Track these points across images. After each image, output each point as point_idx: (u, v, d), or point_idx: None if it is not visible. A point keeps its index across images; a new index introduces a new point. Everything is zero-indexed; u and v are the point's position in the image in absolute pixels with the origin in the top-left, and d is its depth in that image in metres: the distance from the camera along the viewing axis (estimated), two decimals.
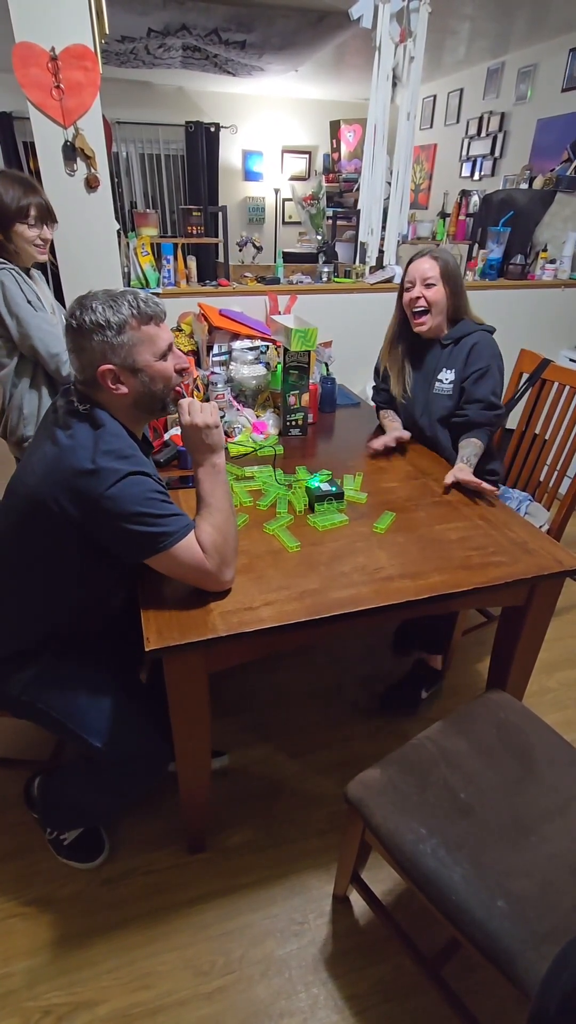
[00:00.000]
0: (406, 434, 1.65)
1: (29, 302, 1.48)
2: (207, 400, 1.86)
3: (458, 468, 1.47)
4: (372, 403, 1.90)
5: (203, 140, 4.92)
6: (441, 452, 1.65)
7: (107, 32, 1.86)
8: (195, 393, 1.86)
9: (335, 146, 5.18)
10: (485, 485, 1.38)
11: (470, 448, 1.52)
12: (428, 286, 1.53)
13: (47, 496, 0.94)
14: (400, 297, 1.61)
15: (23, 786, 1.38)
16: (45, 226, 1.52)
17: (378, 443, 1.63)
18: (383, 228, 2.48)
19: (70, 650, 1.13)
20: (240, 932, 1.19)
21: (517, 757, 1.05)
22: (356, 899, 1.24)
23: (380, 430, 1.81)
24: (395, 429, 1.68)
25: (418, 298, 1.54)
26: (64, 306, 1.87)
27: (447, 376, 1.60)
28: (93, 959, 1.14)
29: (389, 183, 2.42)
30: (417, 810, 0.95)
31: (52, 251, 1.70)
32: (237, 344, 1.99)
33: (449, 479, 1.44)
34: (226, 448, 1.61)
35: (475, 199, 3.71)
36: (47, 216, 1.52)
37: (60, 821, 1.27)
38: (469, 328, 1.58)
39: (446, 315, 1.58)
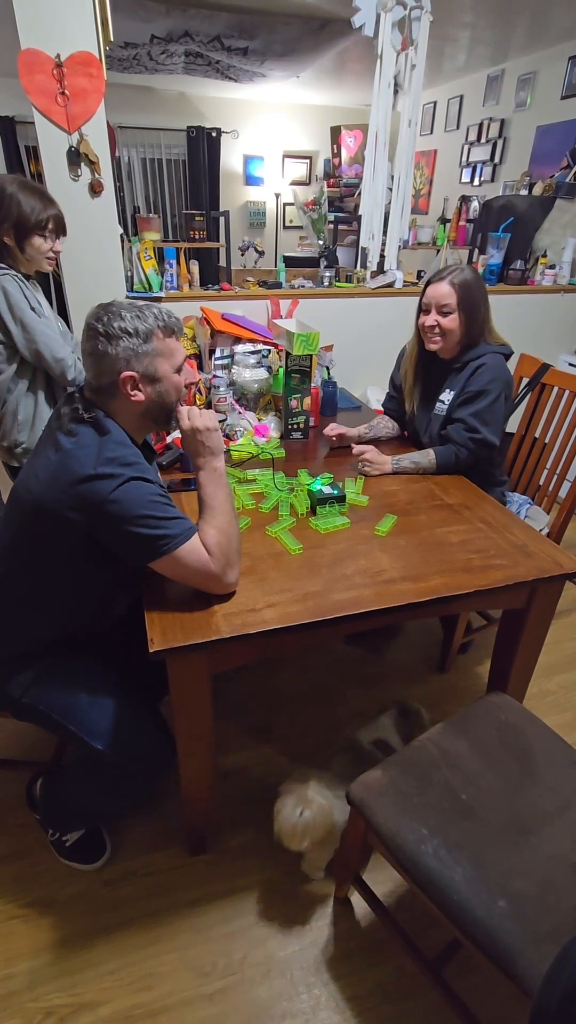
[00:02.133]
0: (352, 433, 1.72)
1: (32, 308, 1.49)
2: (209, 404, 1.88)
3: (385, 462, 1.55)
4: (381, 408, 1.90)
5: (204, 145, 4.95)
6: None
7: (112, 39, 1.88)
8: (197, 398, 1.88)
9: (336, 151, 5.21)
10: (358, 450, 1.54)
11: (419, 455, 1.55)
12: (444, 314, 1.49)
13: (51, 502, 0.94)
14: (418, 316, 1.58)
15: (25, 787, 1.39)
16: (57, 239, 1.54)
17: (336, 431, 1.70)
18: (384, 233, 2.49)
19: (72, 652, 1.14)
20: (241, 933, 1.19)
21: (518, 758, 1.06)
22: (357, 900, 1.25)
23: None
24: (358, 430, 1.74)
25: (433, 326, 1.51)
26: (65, 312, 1.89)
27: (447, 397, 1.58)
28: (94, 960, 1.14)
29: (390, 189, 2.44)
30: (418, 811, 0.95)
31: (56, 262, 1.71)
32: (239, 348, 2.00)
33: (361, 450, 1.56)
34: (228, 451, 1.64)
35: (475, 205, 3.74)
36: (61, 229, 1.54)
37: (62, 822, 1.27)
38: (482, 350, 1.53)
39: (460, 340, 1.53)
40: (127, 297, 2.20)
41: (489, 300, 1.54)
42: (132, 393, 0.99)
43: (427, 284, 1.53)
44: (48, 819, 1.28)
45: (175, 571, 1.01)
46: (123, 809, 1.31)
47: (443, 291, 1.48)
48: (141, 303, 1.01)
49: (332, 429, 1.72)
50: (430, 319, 1.52)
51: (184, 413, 1.07)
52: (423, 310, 1.55)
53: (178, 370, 1.04)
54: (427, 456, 1.55)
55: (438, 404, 1.61)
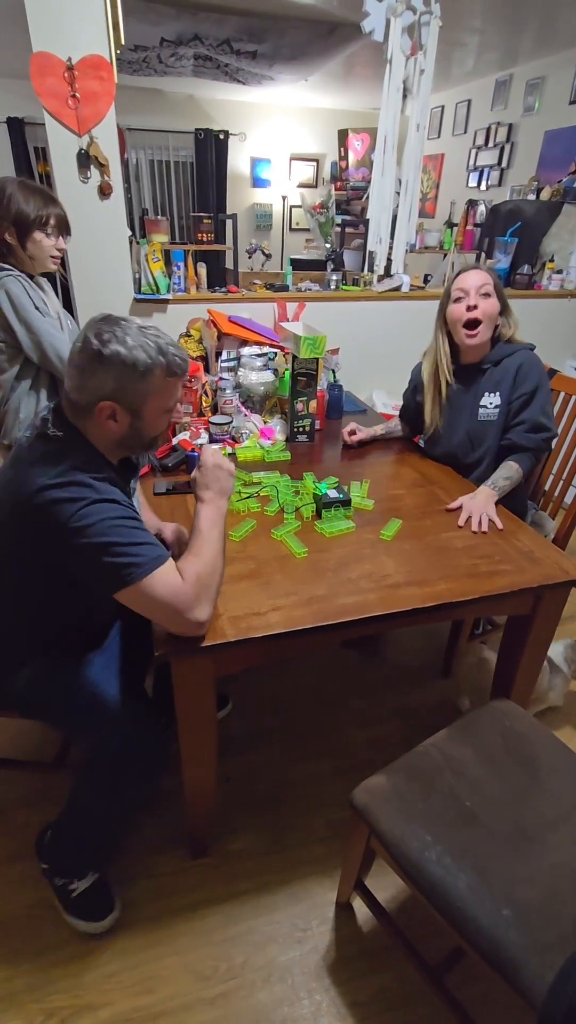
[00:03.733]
0: (366, 436, 1.73)
1: (37, 308, 1.50)
2: (215, 406, 1.88)
3: (484, 492, 1.40)
4: (388, 413, 1.89)
5: (212, 147, 4.97)
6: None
7: (123, 43, 1.89)
8: (203, 399, 1.88)
9: (343, 154, 5.21)
10: (493, 523, 1.34)
11: (504, 470, 1.43)
12: (484, 296, 1.44)
13: (16, 530, 0.91)
14: (441, 316, 1.52)
15: (35, 838, 1.28)
16: (61, 237, 1.54)
17: (349, 432, 1.70)
18: (391, 237, 2.49)
19: (74, 647, 1.14)
20: (243, 938, 1.19)
21: (522, 766, 1.05)
22: (359, 906, 1.24)
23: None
24: (374, 430, 1.75)
25: (474, 306, 1.43)
26: (72, 314, 1.89)
27: (492, 400, 1.50)
28: (96, 962, 1.14)
29: (398, 192, 2.44)
30: (422, 817, 0.95)
31: (63, 263, 1.71)
32: (246, 350, 2.00)
33: (456, 505, 1.39)
34: (234, 453, 1.64)
35: (482, 209, 3.74)
36: (64, 227, 1.54)
37: (69, 859, 1.19)
38: (510, 348, 1.50)
39: (491, 336, 1.49)
40: (135, 299, 2.21)
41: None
42: (107, 422, 0.92)
43: (456, 276, 1.50)
44: (54, 859, 1.20)
45: (141, 604, 0.92)
46: (125, 815, 1.22)
47: (480, 276, 1.45)
48: (151, 330, 0.92)
49: (352, 433, 1.72)
50: (471, 299, 1.44)
51: (210, 451, 1.08)
52: (456, 299, 1.47)
53: (167, 411, 0.97)
54: (512, 469, 1.45)
55: (482, 410, 1.52)
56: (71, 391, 0.92)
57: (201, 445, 1.43)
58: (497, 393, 1.51)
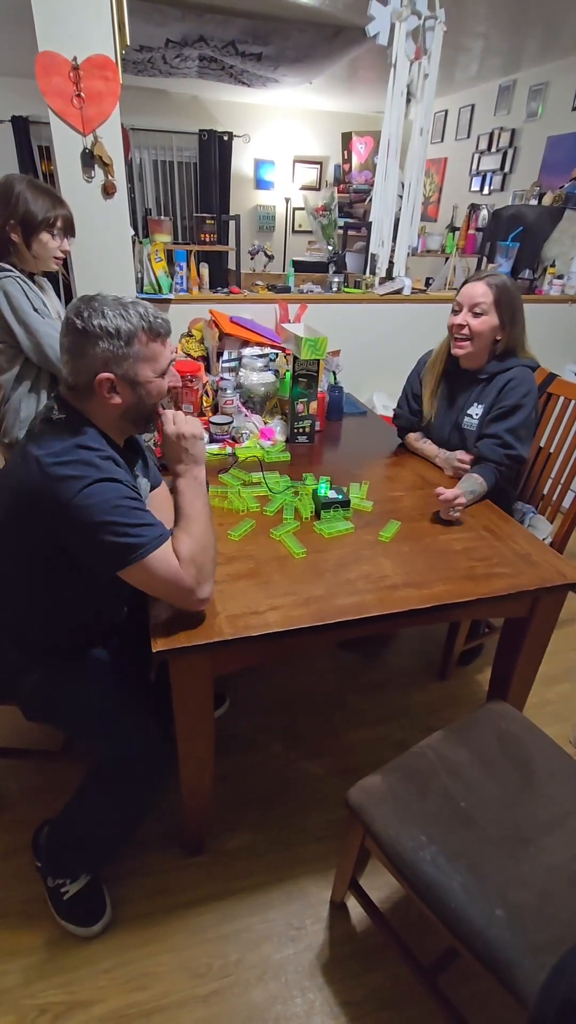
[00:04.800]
0: (465, 457, 1.52)
1: (35, 309, 1.50)
2: (216, 406, 1.88)
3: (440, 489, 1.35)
4: (397, 424, 1.81)
5: (216, 148, 4.98)
6: None
7: (128, 43, 1.90)
8: (203, 399, 1.88)
9: (346, 157, 5.22)
10: (452, 503, 1.31)
11: (467, 483, 1.42)
12: (475, 314, 1.44)
13: (20, 508, 0.92)
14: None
15: (32, 835, 1.30)
16: (66, 239, 1.55)
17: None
18: (393, 240, 2.50)
19: (79, 651, 1.14)
20: (237, 936, 1.19)
21: (518, 768, 1.06)
22: (354, 905, 1.25)
23: (403, 449, 1.78)
24: (448, 456, 1.56)
25: (462, 325, 1.46)
26: None
27: (476, 411, 1.53)
28: (90, 958, 1.15)
29: (401, 196, 2.45)
30: (417, 818, 0.96)
31: (64, 263, 1.71)
32: (247, 351, 2.01)
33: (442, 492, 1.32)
34: (234, 452, 1.65)
35: (484, 213, 3.75)
36: (70, 229, 1.55)
37: (63, 860, 1.19)
38: (507, 364, 1.49)
39: (490, 349, 1.49)
40: (138, 298, 2.21)
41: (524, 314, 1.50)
42: (109, 396, 0.94)
43: (463, 284, 1.50)
44: (49, 858, 1.20)
45: (145, 582, 0.95)
46: (125, 828, 1.20)
47: (478, 290, 1.44)
48: (128, 299, 0.94)
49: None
50: (460, 318, 1.47)
51: (169, 417, 1.03)
52: (454, 310, 1.50)
53: (162, 374, 0.98)
54: (477, 482, 1.44)
55: (466, 418, 1.56)
56: (68, 377, 0.95)
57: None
58: (483, 405, 1.53)
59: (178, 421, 1.03)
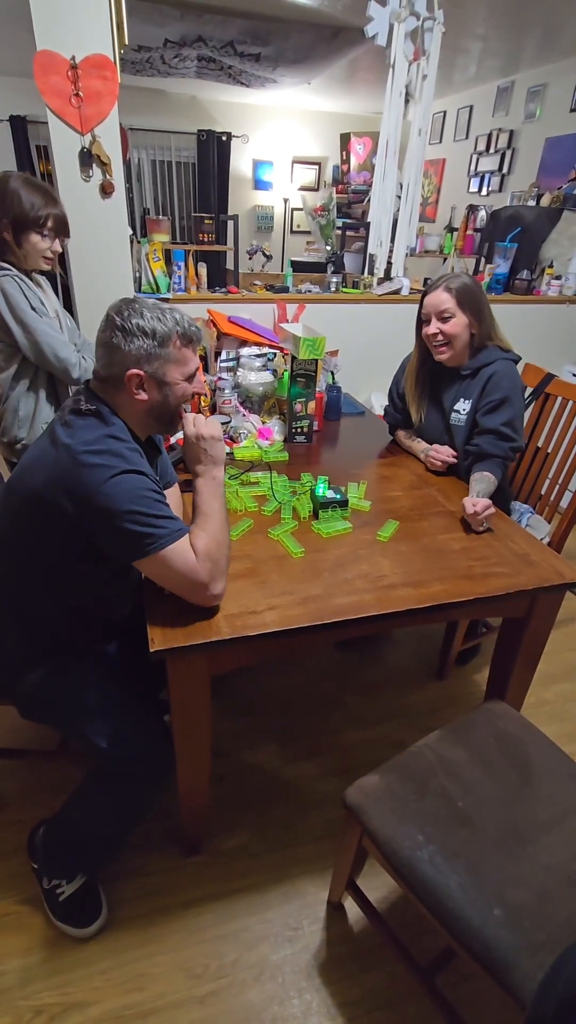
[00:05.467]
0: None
1: (33, 308, 1.49)
2: (213, 406, 1.88)
3: (471, 502, 1.34)
4: (387, 421, 1.84)
5: (215, 148, 4.97)
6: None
7: (127, 43, 1.89)
8: (202, 400, 1.88)
9: (345, 158, 5.23)
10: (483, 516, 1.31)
11: (483, 483, 1.43)
12: (444, 319, 1.48)
13: (45, 494, 0.94)
14: (418, 328, 1.57)
15: (28, 834, 1.29)
16: (57, 239, 1.54)
17: (443, 456, 1.57)
18: (392, 240, 2.51)
19: (78, 652, 1.14)
20: (234, 936, 1.19)
21: (515, 767, 1.06)
22: (351, 906, 1.25)
23: (394, 445, 1.81)
24: (436, 449, 1.62)
25: (435, 333, 1.50)
26: (71, 313, 1.88)
27: (464, 407, 1.55)
28: (86, 959, 1.14)
29: (399, 196, 2.45)
30: (415, 817, 0.95)
31: (61, 262, 1.70)
32: (245, 351, 2.01)
33: (469, 508, 1.31)
34: (231, 453, 1.65)
35: (482, 214, 3.76)
36: (62, 229, 1.53)
37: (60, 861, 1.19)
38: (491, 357, 1.52)
39: (468, 344, 1.52)
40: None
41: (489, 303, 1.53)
42: (136, 392, 0.98)
43: (424, 295, 1.53)
44: (46, 859, 1.20)
45: (160, 573, 0.98)
46: (123, 828, 1.19)
47: (440, 298, 1.48)
48: (165, 305, 1.00)
49: (441, 455, 1.59)
50: (432, 328, 1.50)
51: (190, 420, 1.06)
52: (424, 321, 1.54)
53: (189, 378, 1.03)
54: (489, 480, 1.45)
55: (453, 414, 1.58)
56: (100, 368, 1.00)
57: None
58: (469, 400, 1.55)
59: (198, 423, 1.06)
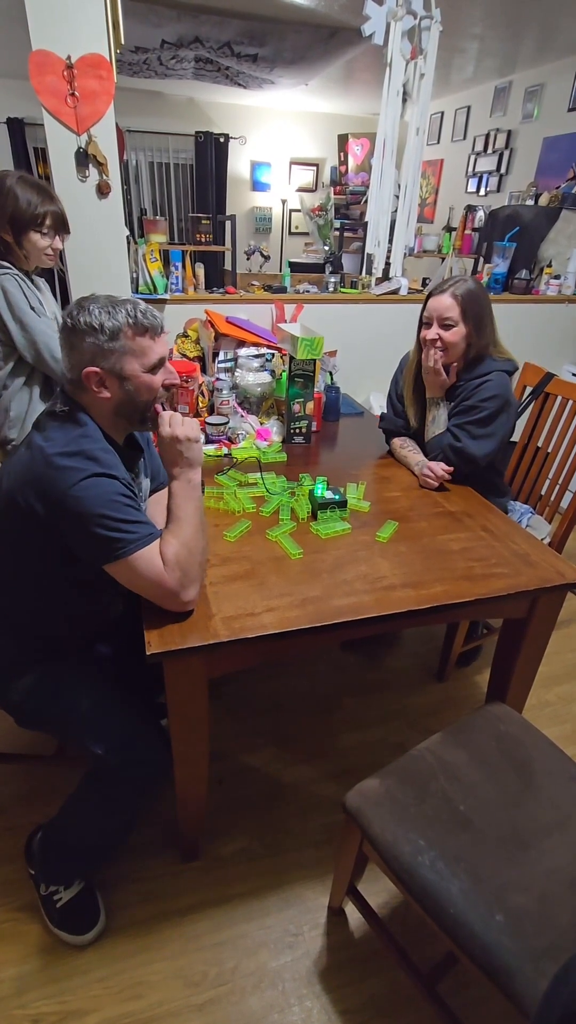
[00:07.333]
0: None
1: (32, 308, 1.48)
2: (212, 407, 1.87)
3: (440, 467, 1.50)
4: (382, 428, 1.78)
5: (212, 150, 4.98)
6: None
7: (122, 43, 1.89)
8: (200, 400, 1.87)
9: (343, 159, 5.23)
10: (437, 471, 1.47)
11: (420, 455, 1.55)
12: (446, 327, 1.46)
13: (18, 497, 0.93)
14: (419, 330, 1.55)
15: (25, 840, 1.28)
16: (58, 236, 1.53)
17: (437, 471, 1.50)
18: (390, 240, 2.50)
19: (71, 656, 1.13)
20: (233, 943, 1.17)
21: (517, 770, 1.04)
22: (351, 911, 1.23)
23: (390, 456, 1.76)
24: (431, 466, 1.55)
25: (435, 340, 1.47)
26: None
27: (446, 415, 1.55)
28: (83, 967, 1.13)
29: (397, 196, 2.44)
30: (416, 821, 0.94)
31: (61, 258, 1.70)
32: (243, 351, 1.99)
33: (439, 471, 1.48)
34: (230, 454, 1.64)
35: (481, 214, 3.75)
36: (61, 226, 1.53)
37: (57, 866, 1.17)
38: (487, 368, 1.49)
39: (464, 354, 1.50)
40: (134, 297, 2.20)
41: (494, 312, 1.51)
42: (98, 390, 0.96)
43: (429, 296, 1.50)
44: (43, 864, 1.18)
45: (129, 579, 0.96)
46: (120, 832, 1.18)
47: (445, 304, 1.45)
48: (120, 299, 0.97)
49: (437, 469, 1.52)
50: (431, 332, 1.48)
51: (166, 418, 1.02)
52: (424, 323, 1.51)
53: (151, 370, 0.98)
54: (418, 455, 1.56)
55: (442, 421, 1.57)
56: (66, 372, 0.99)
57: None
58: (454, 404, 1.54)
59: (174, 423, 1.02)
